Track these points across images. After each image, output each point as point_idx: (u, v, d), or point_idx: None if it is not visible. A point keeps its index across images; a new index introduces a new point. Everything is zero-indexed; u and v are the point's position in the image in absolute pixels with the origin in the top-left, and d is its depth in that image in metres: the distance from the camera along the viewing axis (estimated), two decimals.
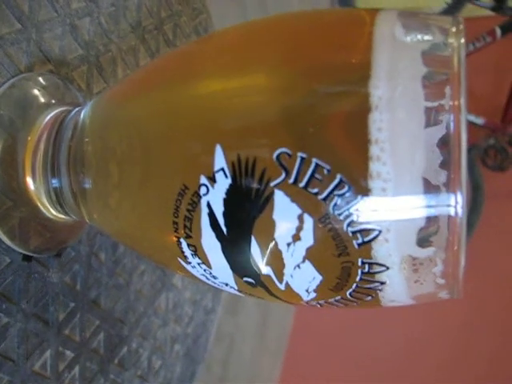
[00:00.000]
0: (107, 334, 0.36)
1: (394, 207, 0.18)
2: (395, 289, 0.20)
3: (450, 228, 0.18)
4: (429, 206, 0.18)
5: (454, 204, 0.18)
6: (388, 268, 0.19)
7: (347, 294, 0.21)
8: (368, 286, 0.20)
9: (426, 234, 0.19)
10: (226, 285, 0.23)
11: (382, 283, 0.20)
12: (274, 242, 0.20)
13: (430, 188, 0.18)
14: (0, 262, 0.28)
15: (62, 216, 0.30)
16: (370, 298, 0.21)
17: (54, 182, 0.28)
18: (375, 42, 0.19)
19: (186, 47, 0.31)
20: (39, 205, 0.29)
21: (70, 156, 0.27)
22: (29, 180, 0.28)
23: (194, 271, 0.23)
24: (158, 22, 0.41)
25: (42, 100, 0.30)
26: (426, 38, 0.20)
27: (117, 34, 0.37)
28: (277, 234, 0.20)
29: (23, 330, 0.29)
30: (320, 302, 0.22)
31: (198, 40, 0.26)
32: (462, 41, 0.19)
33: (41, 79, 0.30)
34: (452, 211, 0.18)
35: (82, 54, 0.34)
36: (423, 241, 0.19)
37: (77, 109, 0.29)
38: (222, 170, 0.20)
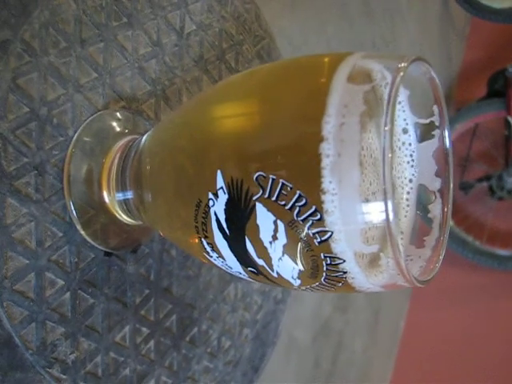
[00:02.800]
0: (179, 316, 0.44)
1: (340, 214, 0.24)
2: (357, 277, 0.26)
3: (388, 228, 0.23)
4: (366, 213, 0.23)
5: (385, 210, 0.23)
6: (345, 260, 0.25)
7: (322, 280, 0.26)
8: (335, 274, 0.26)
9: (370, 233, 0.24)
10: (240, 273, 0.30)
11: (345, 272, 0.25)
12: (260, 241, 0.26)
13: (366, 199, 0.23)
14: (86, 257, 0.37)
15: (134, 222, 0.38)
16: (340, 284, 0.26)
17: (122, 195, 0.36)
18: (331, 87, 0.25)
19: (211, 89, 0.37)
20: (115, 213, 0.37)
21: (131, 174, 0.35)
22: (105, 194, 0.37)
23: (216, 262, 0.30)
24: (219, 53, 0.49)
25: (116, 130, 0.39)
26: (371, 79, 0.25)
27: (180, 69, 0.44)
28: (261, 235, 0.26)
29: (106, 309, 0.38)
30: (306, 287, 0.28)
31: (217, 85, 0.32)
32: (399, 78, 0.24)
33: (115, 114, 0.39)
34: (385, 216, 0.23)
35: (150, 89, 0.42)
36: (368, 239, 0.24)
37: (143, 136, 0.37)
38: (222, 188, 0.26)
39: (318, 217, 0.24)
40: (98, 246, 0.37)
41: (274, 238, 0.26)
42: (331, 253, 0.25)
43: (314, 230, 0.24)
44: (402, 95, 0.32)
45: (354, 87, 0.25)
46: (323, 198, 0.24)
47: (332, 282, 0.27)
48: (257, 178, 0.25)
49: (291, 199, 0.24)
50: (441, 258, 0.30)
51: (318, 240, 0.24)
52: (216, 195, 0.27)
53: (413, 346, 2.01)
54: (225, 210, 0.27)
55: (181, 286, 0.44)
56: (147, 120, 0.41)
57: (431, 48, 2.43)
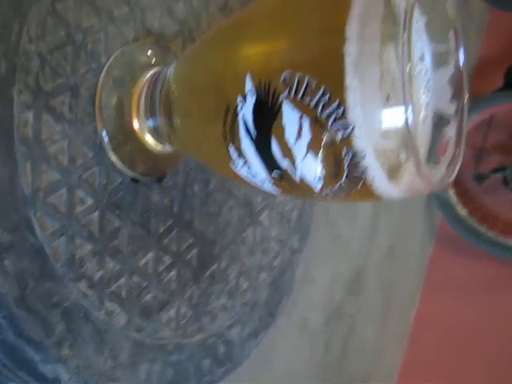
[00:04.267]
0: (200, 250, 0.46)
1: (362, 109, 0.25)
2: (376, 176, 0.27)
3: (407, 128, 0.25)
4: (386, 109, 0.25)
5: (404, 105, 0.24)
6: (365, 155, 0.26)
7: (343, 180, 0.28)
8: (355, 172, 0.27)
9: (390, 130, 0.26)
10: (263, 182, 0.31)
11: (364, 170, 0.27)
12: (285, 140, 0.28)
13: (386, 96, 0.25)
14: (114, 180, 0.38)
15: (161, 148, 0.40)
16: (360, 184, 0.28)
17: (152, 122, 0.38)
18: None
19: (237, 13, 0.39)
20: (143, 140, 0.39)
21: (160, 100, 0.36)
22: (134, 121, 0.38)
23: (240, 171, 0.32)
24: (242, 2, 0.50)
25: (145, 62, 0.40)
26: None
27: (206, 14, 0.46)
28: (287, 134, 0.28)
29: (131, 233, 0.40)
30: (327, 191, 0.29)
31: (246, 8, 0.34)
32: None
33: (144, 48, 0.41)
34: (404, 112, 0.24)
35: (177, 29, 0.43)
36: (387, 135, 0.26)
37: (169, 67, 0.39)
38: (251, 90, 0.28)
39: (341, 111, 0.25)
40: (125, 172, 0.39)
41: (299, 135, 0.27)
42: (353, 148, 0.26)
43: (337, 125, 0.26)
44: (420, 22, 0.33)
45: None
46: (346, 93, 0.25)
47: (353, 181, 0.28)
48: (284, 77, 0.27)
49: (316, 95, 0.26)
50: (456, 169, 0.31)
51: (341, 134, 0.26)
52: (244, 98, 0.28)
53: (424, 334, 2.01)
54: (253, 111, 0.28)
55: (202, 222, 0.46)
56: (174, 56, 0.43)
57: None
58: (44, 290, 0.35)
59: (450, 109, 0.34)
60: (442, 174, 0.32)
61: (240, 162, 0.31)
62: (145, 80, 0.39)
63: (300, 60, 0.26)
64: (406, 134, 0.25)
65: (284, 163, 0.29)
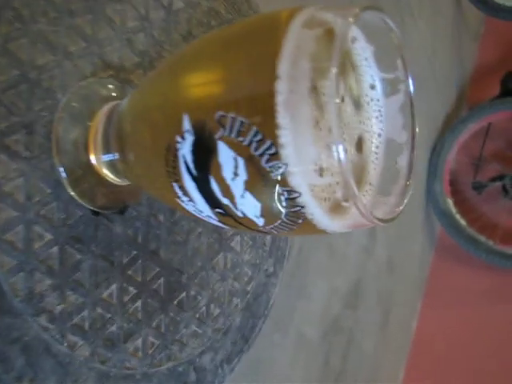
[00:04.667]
0: (167, 279, 0.46)
1: (294, 147, 0.25)
2: (315, 212, 0.27)
3: (340, 163, 0.25)
4: (318, 147, 0.25)
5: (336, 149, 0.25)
6: (300, 193, 0.26)
7: (283, 217, 0.28)
8: (294, 209, 0.27)
9: (324, 167, 0.26)
10: (210, 217, 0.31)
11: (302, 207, 0.27)
12: (223, 179, 0.28)
13: (317, 133, 0.25)
14: (73, 215, 0.39)
15: (121, 181, 0.40)
16: (301, 220, 0.28)
17: (108, 157, 0.38)
18: (287, 31, 0.26)
19: (184, 48, 0.39)
20: (102, 174, 0.39)
21: (114, 135, 0.37)
22: (92, 156, 0.39)
23: (188, 208, 0.32)
24: (207, 30, 0.51)
25: (104, 96, 0.41)
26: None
27: (169, 44, 0.47)
28: (224, 173, 0.28)
29: (93, 266, 0.40)
30: (270, 226, 0.29)
31: (188, 44, 0.34)
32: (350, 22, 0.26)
33: (103, 81, 0.41)
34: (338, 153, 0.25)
35: (138, 60, 0.44)
36: (322, 172, 0.26)
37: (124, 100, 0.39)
38: (188, 130, 0.28)
39: (274, 151, 0.26)
40: (85, 205, 0.39)
41: (236, 174, 0.27)
42: (288, 186, 0.26)
43: (271, 164, 0.26)
44: (367, 51, 0.34)
45: (308, 32, 0.26)
46: (278, 132, 0.25)
47: (293, 219, 0.28)
48: (218, 117, 0.27)
49: (249, 135, 0.26)
50: (405, 201, 0.32)
51: (275, 173, 0.26)
52: (183, 137, 0.29)
53: (425, 346, 2.00)
54: (191, 151, 0.28)
55: (168, 251, 0.46)
56: (134, 88, 0.43)
57: (443, 48, 2.44)
58: (3, 326, 0.35)
59: (402, 137, 0.35)
60: (392, 205, 0.33)
61: (185, 199, 0.31)
62: (102, 113, 0.39)
63: (232, 100, 0.27)
64: (340, 172, 0.25)
65: (224, 201, 0.29)
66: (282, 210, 0.28)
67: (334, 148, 0.25)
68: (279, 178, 0.26)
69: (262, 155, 0.26)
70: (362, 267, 1.78)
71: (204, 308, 0.50)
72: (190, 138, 0.28)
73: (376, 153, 0.35)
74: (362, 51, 0.34)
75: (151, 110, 0.32)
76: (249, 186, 0.27)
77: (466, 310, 2.01)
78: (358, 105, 0.34)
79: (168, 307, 0.46)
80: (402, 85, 0.34)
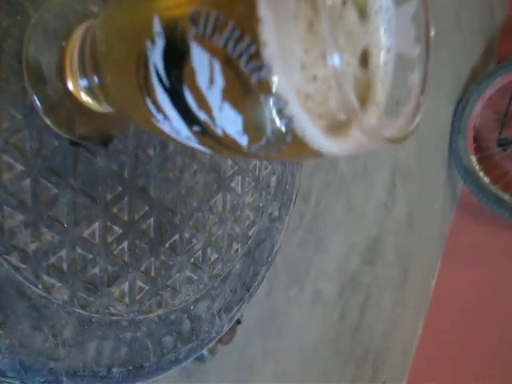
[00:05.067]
0: (157, 219, 0.42)
1: (278, 45, 0.21)
2: (305, 126, 0.23)
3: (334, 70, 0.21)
4: (305, 45, 0.21)
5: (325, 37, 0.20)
6: (287, 102, 0.22)
7: (269, 133, 0.24)
8: (280, 122, 0.23)
9: (313, 69, 0.21)
10: (188, 138, 0.27)
11: (290, 118, 0.23)
12: (198, 88, 0.24)
13: (306, 29, 0.20)
14: (49, 144, 0.35)
15: (104, 109, 0.36)
16: (289, 137, 0.24)
17: (86, 81, 0.34)
18: None
19: None
20: (81, 100, 0.35)
21: (89, 57, 0.33)
22: (69, 80, 0.35)
23: (164, 128, 0.28)
24: None
25: (84, 13, 0.36)
26: None
27: None
28: (198, 80, 0.23)
29: (72, 202, 0.36)
30: (256, 146, 0.25)
31: None
32: None
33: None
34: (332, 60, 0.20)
35: None
36: (312, 78, 0.21)
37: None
38: (158, 33, 0.24)
39: (254, 50, 0.21)
40: (62, 135, 0.36)
41: (212, 81, 0.23)
42: (272, 93, 0.22)
43: (251, 66, 0.22)
44: None
45: None
46: (259, 28, 0.21)
47: (280, 135, 0.24)
48: (191, 14, 0.22)
49: (225, 32, 0.22)
50: (416, 120, 0.27)
51: (256, 77, 0.22)
52: (153, 42, 0.24)
53: (443, 305, 1.96)
54: (163, 57, 0.24)
55: (159, 188, 0.42)
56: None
57: (473, 1, 2.32)
58: None
59: (414, 51, 0.30)
60: (400, 127, 0.28)
61: (160, 118, 0.27)
62: (79, 33, 0.35)
63: None
64: (335, 80, 0.21)
65: (201, 115, 0.25)
66: (267, 124, 0.23)
67: (326, 49, 0.20)
68: (262, 83, 0.22)
69: (240, 56, 0.22)
70: (381, 223, 1.73)
71: (200, 252, 0.46)
72: (160, 42, 0.24)
73: (384, 70, 0.30)
74: None
75: (122, 19, 0.27)
76: (227, 95, 0.23)
77: (486, 269, 1.96)
78: (363, 14, 0.29)
79: (159, 250, 0.43)
80: None
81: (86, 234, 0.37)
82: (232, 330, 1.29)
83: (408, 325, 1.91)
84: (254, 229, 0.51)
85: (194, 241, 0.45)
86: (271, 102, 0.22)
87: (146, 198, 0.41)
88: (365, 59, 0.29)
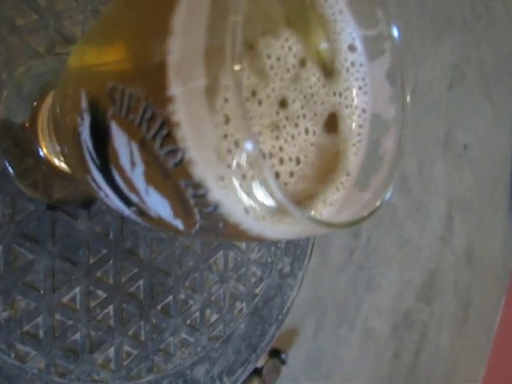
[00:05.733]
0: (147, 281, 0.40)
1: (190, 127, 0.19)
2: (235, 214, 0.21)
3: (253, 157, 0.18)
4: (218, 125, 0.18)
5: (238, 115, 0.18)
6: (208, 190, 0.20)
7: (199, 219, 0.21)
8: (207, 210, 0.21)
9: (233, 152, 0.19)
10: (132, 217, 0.25)
11: (216, 206, 0.20)
12: (123, 169, 0.22)
13: (217, 106, 0.18)
14: (23, 210, 0.34)
15: None
16: (222, 225, 0.21)
17: (55, 146, 0.33)
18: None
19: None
20: (55, 163, 0.34)
21: (51, 120, 0.31)
22: (42, 144, 0.34)
23: (110, 204, 0.26)
24: None
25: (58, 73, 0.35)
26: None
27: None
28: (121, 161, 0.22)
29: (49, 267, 0.35)
30: (191, 230, 0.23)
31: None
32: None
33: (61, 58, 0.36)
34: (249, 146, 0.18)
35: None
36: (231, 161, 0.19)
37: None
38: (85, 109, 0.22)
39: (166, 131, 0.19)
40: (38, 199, 0.35)
41: (133, 163, 0.21)
42: (192, 179, 0.20)
43: (165, 149, 0.20)
44: (341, 2, 0.26)
45: None
46: (171, 107, 0.19)
47: (211, 222, 0.21)
48: (109, 91, 0.21)
49: (139, 112, 0.20)
50: (380, 200, 0.24)
51: (172, 163, 0.20)
52: (82, 118, 0.23)
53: (509, 344, 1.83)
54: (90, 134, 0.23)
55: (150, 249, 0.41)
56: None
57: None
58: None
59: (389, 112, 0.27)
60: (367, 200, 0.25)
61: (102, 194, 0.25)
62: (51, 95, 0.34)
63: (121, 68, 0.20)
64: (252, 168, 0.18)
65: (132, 197, 0.23)
66: (195, 211, 0.21)
67: (241, 141, 0.18)
68: (178, 168, 0.20)
69: (154, 138, 0.20)
70: (438, 258, 1.65)
71: (197, 313, 0.44)
72: (87, 119, 0.22)
73: (359, 133, 0.27)
74: (334, 2, 0.26)
75: (63, 88, 0.26)
76: (149, 179, 0.21)
77: None
78: (331, 71, 0.26)
79: (149, 313, 0.41)
80: (388, 43, 0.26)
81: (65, 299, 0.36)
82: (276, 371, 1.25)
83: (469, 365, 1.79)
84: (261, 286, 0.48)
85: (191, 302, 0.43)
86: (191, 188, 0.20)
87: (134, 260, 0.40)
88: (333, 123, 0.27)
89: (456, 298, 1.72)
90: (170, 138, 0.19)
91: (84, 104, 0.22)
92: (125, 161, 0.21)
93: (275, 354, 1.20)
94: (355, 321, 1.46)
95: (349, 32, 0.27)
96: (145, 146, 0.20)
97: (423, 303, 1.61)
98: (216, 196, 0.20)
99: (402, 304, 1.56)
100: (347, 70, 0.27)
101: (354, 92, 0.27)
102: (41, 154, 0.34)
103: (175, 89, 0.19)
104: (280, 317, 0.50)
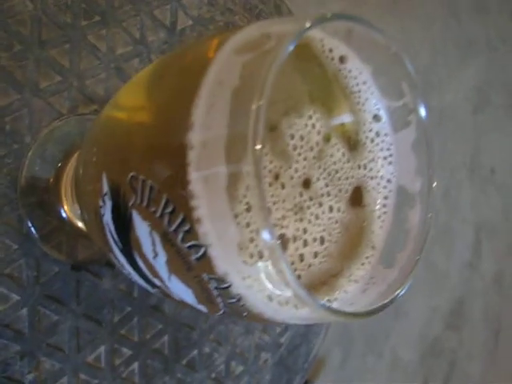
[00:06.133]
0: (172, 336, 0.40)
1: (212, 223, 0.19)
2: (258, 306, 0.20)
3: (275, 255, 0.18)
4: (239, 223, 0.18)
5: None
6: (230, 285, 0.19)
7: (223, 308, 0.21)
8: (230, 301, 0.20)
9: (254, 249, 0.19)
10: (158, 294, 0.25)
11: (239, 299, 0.20)
12: (145, 256, 0.22)
13: (233, 197, 0.18)
14: (48, 271, 0.34)
15: None
16: (246, 314, 0.21)
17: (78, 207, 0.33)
18: (213, 61, 0.20)
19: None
20: (76, 225, 0.34)
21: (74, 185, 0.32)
22: (65, 206, 0.34)
23: (136, 281, 0.26)
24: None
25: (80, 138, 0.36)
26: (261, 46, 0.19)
27: None
28: (144, 249, 0.21)
29: (74, 327, 0.35)
30: (219, 314, 0.22)
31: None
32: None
33: (85, 118, 0.36)
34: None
35: None
36: (251, 256, 0.19)
37: None
38: (107, 194, 0.22)
39: (188, 227, 0.19)
40: (63, 261, 0.35)
41: (155, 253, 0.21)
42: (214, 274, 0.19)
43: (188, 244, 0.19)
44: (365, 73, 0.26)
45: (235, 59, 0.19)
46: (192, 203, 0.19)
47: (237, 311, 0.21)
48: (130, 180, 0.21)
49: (160, 205, 0.20)
50: (407, 283, 0.23)
51: (195, 257, 0.19)
52: (104, 201, 0.23)
53: None
54: (112, 218, 0.23)
55: (174, 305, 0.40)
56: None
57: None
58: None
59: (415, 185, 0.26)
60: (392, 279, 0.24)
61: (126, 272, 0.25)
62: (75, 157, 0.34)
63: (142, 159, 0.20)
64: (275, 263, 0.18)
65: (156, 282, 0.23)
66: (218, 301, 0.21)
67: (260, 233, 0.18)
68: (200, 261, 0.19)
69: (176, 232, 0.19)
70: (466, 284, 1.61)
71: (222, 366, 0.43)
72: (109, 203, 0.22)
73: (384, 205, 0.27)
74: (358, 73, 0.26)
75: (85, 163, 0.26)
76: (172, 269, 0.21)
77: None
78: (355, 145, 0.26)
79: (174, 368, 0.40)
80: (413, 115, 0.25)
81: (90, 359, 0.36)
82: None
83: None
84: (286, 335, 0.48)
85: (216, 355, 0.43)
86: (215, 281, 0.20)
87: (158, 316, 0.39)
88: (358, 196, 0.26)
89: (486, 325, 1.68)
90: (191, 233, 0.19)
91: (105, 188, 0.22)
92: (147, 249, 0.21)
93: None
94: (383, 349, 1.43)
95: (374, 102, 0.26)
96: (167, 238, 0.20)
97: (451, 331, 1.57)
98: (238, 290, 0.20)
99: (429, 332, 1.53)
100: (372, 141, 0.27)
101: (380, 163, 0.27)
102: (63, 215, 0.34)
103: (196, 185, 0.18)
104: (306, 365, 0.50)
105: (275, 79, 0.18)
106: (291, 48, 0.19)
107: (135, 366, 0.38)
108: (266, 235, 0.17)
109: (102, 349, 0.37)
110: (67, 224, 0.34)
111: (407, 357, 1.49)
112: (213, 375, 0.43)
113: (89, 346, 0.36)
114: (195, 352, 0.42)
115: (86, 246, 0.36)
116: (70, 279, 0.35)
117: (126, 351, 0.38)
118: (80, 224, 0.34)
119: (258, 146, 0.17)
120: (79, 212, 0.33)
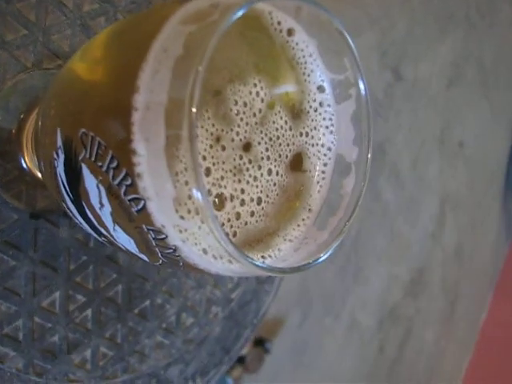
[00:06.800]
0: (126, 286, 0.42)
1: (151, 179, 0.20)
2: (193, 257, 0.22)
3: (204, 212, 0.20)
4: (174, 181, 0.20)
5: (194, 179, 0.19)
6: (167, 236, 0.21)
7: (161, 257, 0.23)
8: (167, 251, 0.22)
9: (189, 205, 0.20)
10: (106, 244, 0.27)
11: (175, 250, 0.22)
12: (93, 207, 0.23)
13: (174, 163, 0.20)
14: (7, 218, 0.36)
15: None
16: (181, 264, 0.23)
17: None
18: (161, 30, 0.21)
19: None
20: (37, 175, 0.36)
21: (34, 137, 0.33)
22: (26, 156, 0.35)
23: (86, 229, 0.27)
24: None
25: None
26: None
27: None
28: (92, 200, 0.23)
29: (30, 273, 0.37)
30: (159, 263, 0.24)
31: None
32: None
33: (49, 73, 0.37)
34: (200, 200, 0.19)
35: None
36: (187, 212, 0.21)
37: None
38: (60, 147, 0.24)
39: (130, 182, 0.21)
40: (22, 209, 0.36)
41: (101, 204, 0.23)
42: (153, 225, 0.21)
43: (129, 197, 0.21)
44: (311, 46, 0.27)
45: (181, 28, 0.21)
46: (133, 159, 0.20)
47: (173, 261, 0.23)
48: (81, 135, 0.22)
49: (106, 160, 0.21)
50: (333, 246, 0.25)
51: (135, 209, 0.21)
52: (57, 154, 0.24)
53: (493, 342, 1.87)
54: (64, 171, 0.24)
55: (129, 256, 0.42)
56: None
57: None
58: None
59: (352, 154, 0.28)
60: (322, 241, 0.27)
61: (77, 221, 0.27)
62: (37, 110, 0.35)
63: (92, 116, 0.22)
64: (201, 215, 0.20)
65: (102, 231, 0.24)
66: (157, 250, 0.23)
67: (193, 192, 0.20)
68: (141, 214, 0.21)
69: (119, 185, 0.21)
70: (428, 254, 1.67)
71: (173, 317, 0.46)
72: (61, 156, 0.24)
73: (323, 171, 0.29)
74: (305, 46, 0.27)
75: (46, 108, 0.27)
76: (116, 219, 0.23)
77: None
78: (298, 113, 0.28)
79: (126, 316, 0.43)
80: (353, 89, 0.27)
81: (45, 303, 0.38)
82: (259, 359, 1.28)
83: (453, 361, 1.83)
84: (237, 291, 0.50)
85: (167, 306, 0.45)
86: (152, 232, 0.22)
87: (113, 266, 0.41)
88: (298, 162, 0.28)
89: (443, 295, 1.75)
90: (133, 187, 0.21)
91: (59, 142, 0.24)
92: (94, 200, 0.23)
93: (259, 342, 1.23)
94: (341, 312, 1.48)
95: (318, 74, 0.28)
96: (111, 191, 0.22)
97: (410, 298, 1.63)
98: (174, 241, 0.22)
99: (389, 298, 1.59)
100: (315, 110, 0.28)
101: (321, 131, 0.29)
102: (24, 165, 0.35)
103: (138, 143, 0.20)
104: (255, 321, 0.52)
105: (217, 47, 0.19)
106: (234, 18, 0.20)
107: (88, 312, 0.40)
108: (197, 194, 0.19)
109: (57, 294, 0.39)
110: (27, 174, 0.36)
111: (365, 321, 1.55)
112: (163, 325, 0.45)
113: (44, 292, 0.38)
114: (147, 302, 0.44)
115: (44, 196, 0.37)
116: (29, 227, 0.37)
117: (81, 298, 0.40)
118: (39, 174, 0.35)
119: (194, 110, 0.19)
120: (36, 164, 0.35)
